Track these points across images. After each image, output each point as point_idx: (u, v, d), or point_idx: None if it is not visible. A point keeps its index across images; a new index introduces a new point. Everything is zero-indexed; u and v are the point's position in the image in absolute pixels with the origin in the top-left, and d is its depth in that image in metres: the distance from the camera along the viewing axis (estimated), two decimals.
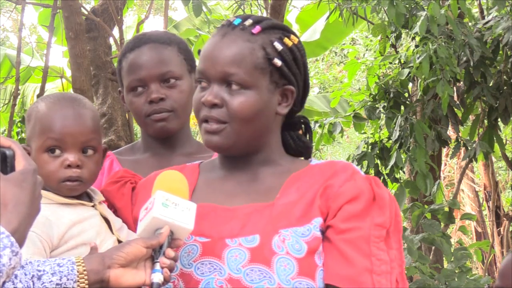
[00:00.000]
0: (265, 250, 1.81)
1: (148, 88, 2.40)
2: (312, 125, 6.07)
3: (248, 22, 1.93)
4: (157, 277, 1.74)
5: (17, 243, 1.46)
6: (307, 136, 2.08)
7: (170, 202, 1.79)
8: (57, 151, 2.07)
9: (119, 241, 2.07)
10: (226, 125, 1.89)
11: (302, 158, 2.07)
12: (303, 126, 2.07)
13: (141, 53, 2.43)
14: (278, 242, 1.81)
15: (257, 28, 1.92)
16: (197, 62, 2.01)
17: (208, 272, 1.83)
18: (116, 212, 2.18)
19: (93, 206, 2.12)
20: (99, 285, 1.74)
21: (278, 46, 1.92)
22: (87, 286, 1.71)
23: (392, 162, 5.59)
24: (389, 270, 1.82)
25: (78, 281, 1.70)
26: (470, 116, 6.21)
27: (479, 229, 9.94)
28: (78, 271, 1.71)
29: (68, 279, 1.69)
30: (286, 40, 1.94)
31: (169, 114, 2.40)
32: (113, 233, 2.09)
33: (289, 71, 1.94)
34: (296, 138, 2.04)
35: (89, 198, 2.15)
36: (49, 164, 2.06)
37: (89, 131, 2.08)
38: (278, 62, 1.91)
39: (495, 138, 6.05)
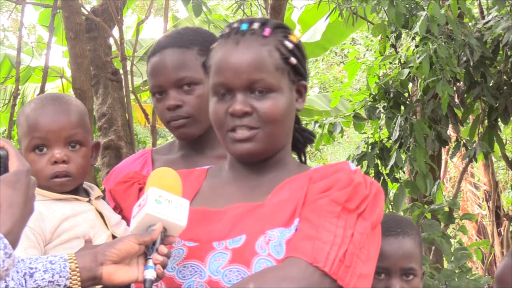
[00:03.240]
0: (247, 250, 1.80)
1: (166, 94, 2.39)
2: (312, 125, 6.07)
3: (256, 25, 1.93)
4: (150, 274, 1.74)
5: (11, 244, 1.45)
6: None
7: (163, 198, 1.79)
8: (44, 149, 2.09)
9: (114, 237, 2.08)
10: (258, 130, 1.89)
11: (305, 163, 2.08)
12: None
13: (160, 58, 2.41)
14: (262, 243, 1.80)
15: (268, 30, 1.93)
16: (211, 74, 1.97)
17: (189, 275, 1.82)
18: (122, 212, 2.19)
19: (88, 201, 2.13)
20: (91, 282, 1.74)
21: (289, 44, 1.94)
22: (79, 283, 1.71)
23: (392, 162, 5.59)
24: (337, 243, 1.76)
25: (71, 278, 1.70)
26: (470, 116, 6.21)
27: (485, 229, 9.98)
28: (70, 268, 1.71)
29: (60, 276, 1.69)
30: (292, 37, 1.97)
31: (187, 120, 2.37)
32: (108, 228, 2.10)
33: (302, 67, 1.97)
34: (300, 129, 2.06)
35: (87, 193, 2.16)
36: (37, 163, 2.09)
37: (72, 126, 2.10)
38: (293, 60, 1.93)
39: (495, 138, 6.04)
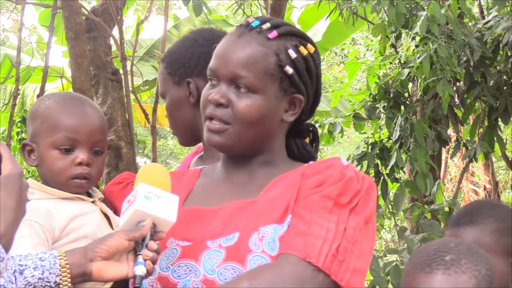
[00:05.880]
0: (241, 248, 1.80)
1: None
2: None
3: (266, 25, 1.92)
4: (140, 270, 1.74)
5: (4, 248, 1.45)
6: (314, 145, 2.07)
7: (153, 194, 1.79)
8: (70, 149, 2.09)
9: None
10: (229, 126, 1.89)
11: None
12: (311, 134, 2.06)
13: None
14: (256, 240, 1.80)
15: (274, 33, 1.91)
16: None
17: (184, 275, 1.82)
18: (116, 213, 2.19)
19: (92, 202, 2.14)
20: (81, 278, 1.74)
21: (292, 54, 1.91)
22: (69, 279, 1.71)
23: (392, 162, 5.58)
24: (329, 238, 1.76)
25: (61, 275, 1.70)
26: (470, 116, 6.21)
27: None
28: (60, 265, 1.71)
29: (50, 273, 1.69)
30: (301, 48, 1.93)
31: (172, 131, 2.41)
32: (113, 228, 2.10)
33: (300, 80, 1.93)
34: (301, 146, 2.03)
35: (88, 195, 2.17)
36: (59, 161, 2.09)
37: (101, 131, 2.13)
38: (289, 69, 1.90)
39: (495, 138, 6.05)
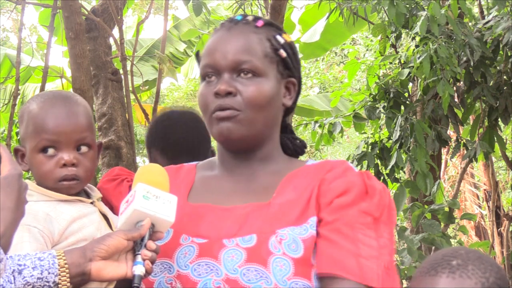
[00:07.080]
0: (261, 250, 1.80)
1: None
2: (312, 125, 6.07)
3: (250, 17, 2.00)
4: (139, 269, 1.74)
5: (3, 248, 1.44)
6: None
7: (151, 194, 1.79)
8: (52, 151, 2.06)
9: None
10: (239, 112, 1.89)
11: (299, 158, 2.08)
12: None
13: None
14: (274, 242, 1.80)
15: (260, 22, 1.98)
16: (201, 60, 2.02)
17: (205, 273, 1.81)
18: (113, 210, 2.18)
19: (91, 203, 2.12)
20: (80, 278, 1.74)
21: (281, 39, 1.98)
22: (68, 279, 1.71)
23: (392, 162, 5.59)
24: (377, 255, 1.81)
25: (59, 275, 1.70)
26: (470, 116, 6.21)
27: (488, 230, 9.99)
28: (59, 265, 1.71)
29: (49, 273, 1.69)
30: (284, 36, 2.01)
31: None
32: (112, 229, 2.09)
33: (292, 64, 1.99)
34: (292, 138, 2.06)
35: (87, 195, 2.15)
36: (45, 164, 2.06)
37: (83, 128, 2.08)
38: (283, 52, 1.96)
39: (495, 138, 6.05)
